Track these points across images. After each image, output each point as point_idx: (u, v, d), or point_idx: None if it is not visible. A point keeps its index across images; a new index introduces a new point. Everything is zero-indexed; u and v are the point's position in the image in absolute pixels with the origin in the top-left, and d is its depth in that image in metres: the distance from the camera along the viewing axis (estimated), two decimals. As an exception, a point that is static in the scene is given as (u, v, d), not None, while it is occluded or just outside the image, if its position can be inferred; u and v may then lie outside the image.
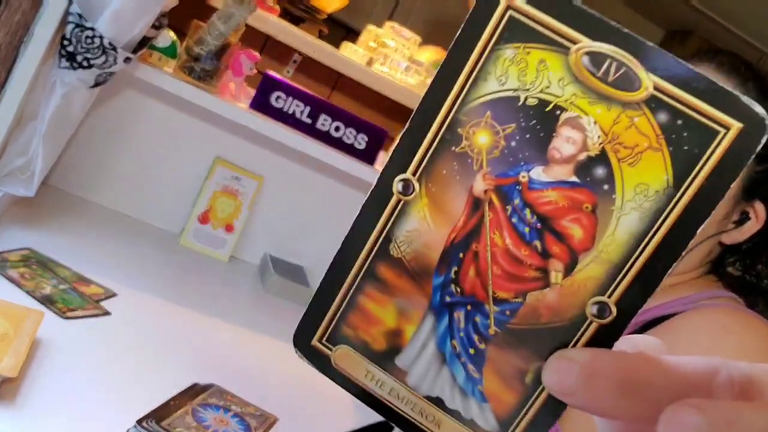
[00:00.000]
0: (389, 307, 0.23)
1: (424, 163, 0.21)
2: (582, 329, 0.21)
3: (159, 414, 0.69)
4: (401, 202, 0.22)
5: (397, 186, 0.22)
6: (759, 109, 0.19)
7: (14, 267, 0.86)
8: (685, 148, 0.19)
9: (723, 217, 0.66)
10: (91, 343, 0.78)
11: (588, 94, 0.20)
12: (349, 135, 1.23)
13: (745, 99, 0.19)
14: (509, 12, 0.20)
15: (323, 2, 1.68)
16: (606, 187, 0.20)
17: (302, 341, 0.24)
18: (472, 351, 0.22)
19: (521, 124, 0.20)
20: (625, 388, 0.19)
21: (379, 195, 0.22)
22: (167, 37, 1.12)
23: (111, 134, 1.21)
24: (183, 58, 1.11)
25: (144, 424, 0.66)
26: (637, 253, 0.20)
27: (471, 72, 0.20)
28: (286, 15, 1.67)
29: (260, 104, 1.18)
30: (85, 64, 0.94)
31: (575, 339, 0.21)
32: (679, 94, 0.19)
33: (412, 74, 1.46)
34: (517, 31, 0.20)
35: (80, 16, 0.91)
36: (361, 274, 0.23)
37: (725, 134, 0.19)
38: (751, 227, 0.67)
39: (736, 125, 0.19)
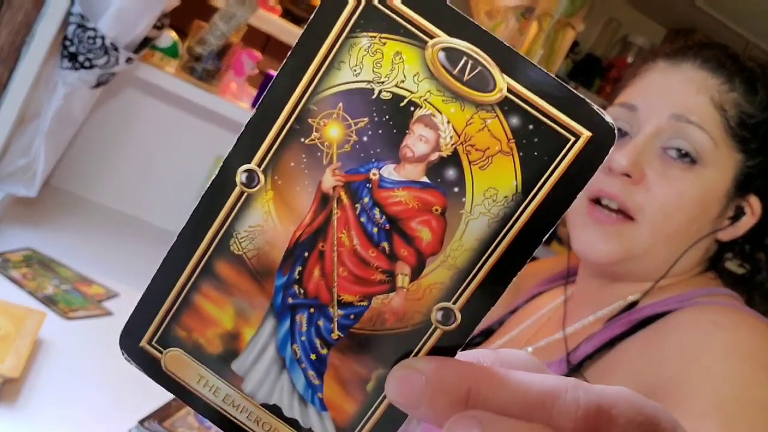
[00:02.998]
0: (227, 307, 0.21)
1: (270, 154, 0.20)
2: (426, 336, 0.20)
3: (161, 414, 0.69)
4: (244, 195, 0.20)
5: (240, 177, 0.20)
6: (608, 118, 0.19)
7: (16, 267, 0.86)
8: (535, 154, 0.19)
9: (717, 215, 0.65)
10: (93, 344, 0.78)
11: (443, 91, 0.19)
12: (350, 135, 1.22)
13: (596, 108, 0.19)
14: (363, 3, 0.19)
15: (325, 2, 1.68)
16: (456, 189, 0.20)
17: (130, 342, 0.22)
18: (313, 356, 0.21)
19: (374, 119, 0.19)
20: (468, 403, 0.18)
21: (221, 186, 0.21)
22: (169, 37, 1.12)
23: (113, 134, 1.22)
24: (185, 58, 1.11)
25: (146, 424, 0.66)
26: (484, 259, 0.20)
27: (324, 59, 0.19)
28: (287, 15, 1.67)
29: (262, 104, 1.18)
30: (87, 64, 0.94)
31: (419, 346, 0.20)
32: (532, 98, 0.19)
33: (414, 74, 1.47)
34: (373, 20, 0.19)
35: (82, 16, 0.91)
36: (198, 270, 0.21)
37: (574, 142, 0.19)
38: (747, 222, 0.66)
39: (585, 134, 0.19)
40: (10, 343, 0.64)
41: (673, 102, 0.65)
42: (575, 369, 0.64)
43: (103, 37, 0.92)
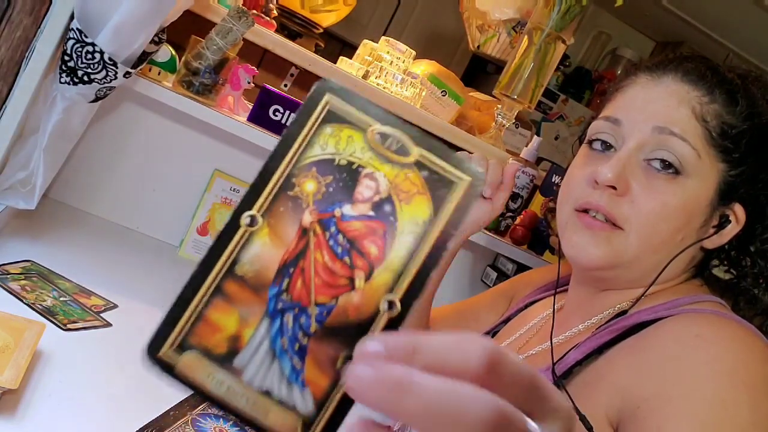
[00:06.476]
0: (232, 315, 0.29)
1: (267, 204, 0.30)
2: (377, 321, 0.29)
3: (159, 424, 0.69)
4: (247, 233, 0.30)
5: (245, 220, 0.30)
6: (478, 168, 0.30)
7: (15, 279, 0.87)
8: (439, 192, 0.30)
9: (702, 224, 0.66)
10: (92, 355, 0.78)
11: (379, 158, 0.30)
12: (346, 147, 1.23)
13: (471, 164, 0.30)
14: (329, 105, 0.30)
15: (320, 17, 1.70)
16: (392, 218, 0.30)
17: (152, 352, 0.29)
18: (297, 346, 0.29)
19: (336, 176, 0.30)
20: (414, 355, 0.26)
21: (231, 227, 0.30)
22: (167, 51, 1.14)
23: (111, 148, 1.23)
24: (182, 73, 1.13)
25: (145, 433, 0.66)
26: (413, 262, 0.29)
27: (303, 141, 0.30)
28: (283, 30, 1.69)
29: (258, 117, 1.19)
30: (85, 78, 0.95)
31: (372, 330, 0.29)
32: (433, 159, 0.30)
33: (407, 87, 1.48)
34: (333, 116, 0.30)
35: (80, 31, 0.92)
36: (210, 290, 0.29)
37: (460, 184, 0.30)
38: (732, 230, 0.67)
39: (466, 179, 0.30)
40: (9, 355, 0.64)
41: (655, 115, 0.66)
42: (564, 376, 0.65)
43: (101, 52, 0.93)
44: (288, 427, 0.29)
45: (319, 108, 0.31)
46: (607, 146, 0.70)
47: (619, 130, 0.68)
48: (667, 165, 0.65)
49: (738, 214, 0.67)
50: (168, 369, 0.29)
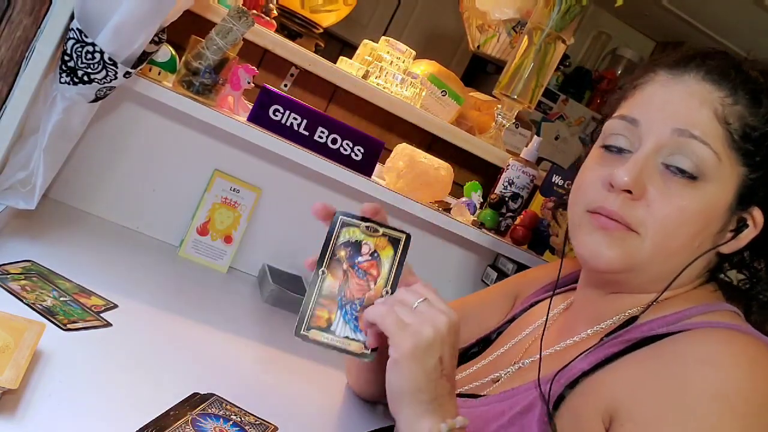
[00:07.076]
0: (325, 310, 0.69)
1: (327, 262, 0.70)
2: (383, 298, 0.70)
3: (159, 424, 0.69)
4: (322, 277, 0.70)
5: (320, 272, 0.70)
6: (406, 232, 0.70)
7: (15, 279, 0.87)
8: (394, 243, 0.71)
9: (720, 230, 0.65)
10: (92, 355, 0.78)
11: (367, 236, 0.71)
12: (345, 147, 1.24)
13: (404, 230, 0.71)
14: (342, 219, 0.71)
15: (320, 17, 1.70)
16: (379, 258, 0.71)
17: (297, 332, 0.68)
18: (354, 316, 0.69)
19: (353, 246, 0.71)
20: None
21: (315, 275, 0.70)
22: (167, 51, 1.14)
23: (111, 148, 1.23)
24: (182, 73, 1.13)
25: (145, 433, 0.66)
26: (391, 272, 0.70)
27: (335, 236, 0.71)
28: (283, 30, 1.69)
29: (258, 117, 1.19)
30: (85, 78, 0.95)
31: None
32: (387, 230, 0.71)
33: (407, 87, 1.48)
34: (345, 224, 0.71)
35: (80, 31, 0.92)
36: (314, 302, 0.69)
37: (402, 237, 0.71)
38: (749, 234, 0.65)
39: (403, 234, 0.71)
40: (9, 355, 0.64)
41: (675, 116, 0.63)
42: (570, 385, 0.65)
43: (101, 52, 0.94)
44: (359, 348, 0.67)
45: (339, 222, 0.70)
46: (620, 149, 0.68)
47: (636, 130, 0.66)
48: (685, 170, 0.63)
49: (756, 218, 0.65)
50: (305, 338, 0.67)
